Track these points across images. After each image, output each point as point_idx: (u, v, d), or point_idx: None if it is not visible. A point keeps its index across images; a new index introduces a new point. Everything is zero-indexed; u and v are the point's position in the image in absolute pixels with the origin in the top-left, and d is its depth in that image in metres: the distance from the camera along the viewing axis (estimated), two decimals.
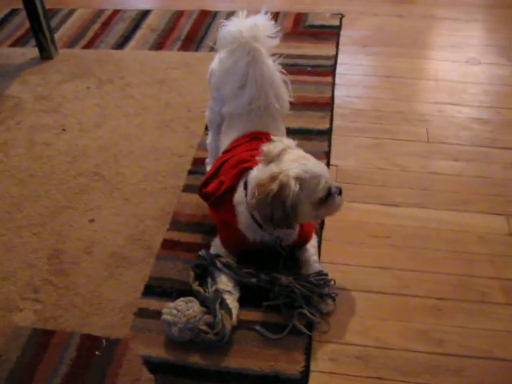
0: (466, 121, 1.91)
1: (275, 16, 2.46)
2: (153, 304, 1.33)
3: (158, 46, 2.33)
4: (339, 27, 2.38)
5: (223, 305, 1.25)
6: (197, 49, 2.28)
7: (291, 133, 1.79)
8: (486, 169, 1.71)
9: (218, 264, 1.33)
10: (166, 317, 1.23)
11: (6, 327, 1.30)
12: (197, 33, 2.38)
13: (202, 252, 1.37)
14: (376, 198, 1.62)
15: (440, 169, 1.72)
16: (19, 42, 2.46)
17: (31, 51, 2.36)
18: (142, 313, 1.31)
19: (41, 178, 1.73)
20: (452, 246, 1.47)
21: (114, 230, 1.54)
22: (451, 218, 1.55)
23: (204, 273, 1.35)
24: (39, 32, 2.25)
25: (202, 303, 1.29)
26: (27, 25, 2.51)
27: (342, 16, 2.46)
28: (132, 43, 2.37)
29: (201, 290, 1.31)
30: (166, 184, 1.66)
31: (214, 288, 1.29)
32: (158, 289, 1.36)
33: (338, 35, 2.32)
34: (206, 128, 1.84)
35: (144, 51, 2.31)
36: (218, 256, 1.35)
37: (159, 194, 1.64)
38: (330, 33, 2.34)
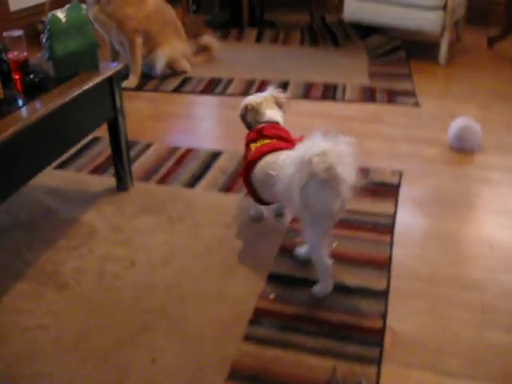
0: None
1: None
2: None
3: (227, 188, 2.48)
4: (398, 185, 2.50)
5: None
6: None
7: (349, 290, 1.88)
8: None
9: None
10: None
11: None
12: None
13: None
14: (429, 365, 1.64)
15: (494, 340, 1.74)
16: (98, 170, 2.66)
17: (108, 180, 2.55)
18: None
19: (108, 310, 1.83)
20: None
21: (173, 374, 1.59)
22: None
23: None
24: (119, 164, 2.43)
25: None
26: (106, 153, 2.74)
27: (401, 174, 2.59)
28: (202, 183, 2.53)
29: None
30: (227, 331, 1.73)
31: None
32: None
33: (397, 193, 2.44)
34: (269, 277, 1.94)
35: (213, 192, 2.46)
36: None
37: (220, 341, 1.70)
38: (389, 190, 2.45)
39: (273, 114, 2.12)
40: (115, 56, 3.89)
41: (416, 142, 2.95)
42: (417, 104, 3.41)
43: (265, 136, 2.02)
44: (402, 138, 2.99)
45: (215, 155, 2.77)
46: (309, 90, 3.60)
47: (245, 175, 2.04)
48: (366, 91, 3.59)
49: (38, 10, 4.82)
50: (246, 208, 2.34)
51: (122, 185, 2.48)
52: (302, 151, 1.65)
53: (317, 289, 1.87)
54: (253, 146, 2.04)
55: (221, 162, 2.70)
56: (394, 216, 2.29)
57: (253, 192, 2.06)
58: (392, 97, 3.50)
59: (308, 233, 1.83)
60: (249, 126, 2.17)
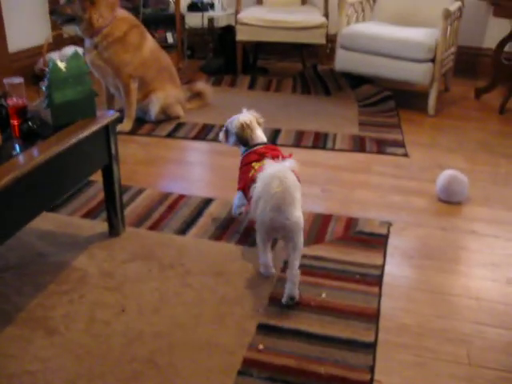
0: (508, 345, 1.97)
1: (328, 219, 2.65)
2: None
3: (218, 236, 2.51)
4: (387, 236, 2.54)
5: None
6: (253, 244, 2.43)
7: (337, 342, 1.90)
8: None
9: None
10: None
11: None
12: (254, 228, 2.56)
13: None
14: None
15: None
16: (90, 215, 2.68)
17: (100, 225, 2.57)
18: None
19: (97, 357, 1.83)
20: None
21: None
22: None
23: None
24: (111, 209, 2.46)
25: None
26: (99, 197, 2.78)
27: (390, 225, 2.63)
28: (194, 230, 2.55)
29: None
30: (216, 382, 1.73)
31: None
32: None
33: (385, 244, 2.47)
34: (258, 327, 1.96)
35: (204, 240, 2.48)
36: None
37: None
38: (378, 241, 2.49)
39: (261, 134, 2.48)
40: (110, 99, 3.96)
41: (405, 193, 3.00)
42: (406, 154, 3.49)
43: (268, 156, 2.31)
44: (391, 189, 3.05)
45: (207, 202, 2.80)
46: (300, 138, 3.67)
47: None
48: (355, 140, 3.66)
49: (35, 51, 4.91)
50: (237, 256, 2.37)
51: (113, 230, 2.50)
52: (261, 175, 2.03)
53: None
54: (256, 166, 2.31)
55: (212, 209, 2.73)
56: (382, 267, 2.32)
57: None
58: (381, 146, 3.57)
59: (256, 233, 2.20)
60: (245, 143, 2.44)
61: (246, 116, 2.47)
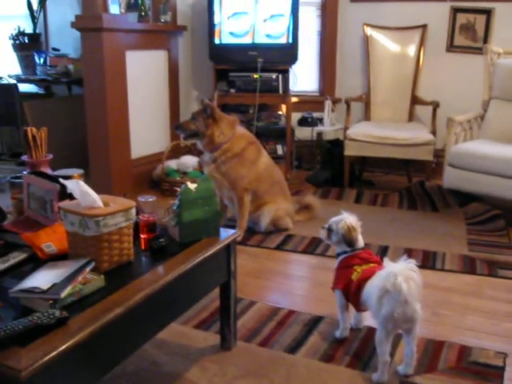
0: None
1: (440, 346, 2.59)
2: None
3: (328, 357, 2.50)
4: (503, 368, 2.44)
5: None
6: (364, 368, 2.41)
7: None
8: None
9: None
10: None
11: None
12: (365, 350, 2.55)
13: None
14: None
15: None
16: (202, 325, 2.77)
17: (212, 337, 2.65)
18: None
19: None
20: None
21: None
22: None
23: None
24: (225, 324, 2.54)
25: None
26: (211, 308, 2.88)
27: (505, 356, 2.53)
28: (303, 349, 2.57)
29: None
30: None
31: None
32: None
33: (502, 378, 2.37)
34: None
35: (314, 360, 2.48)
36: None
37: None
38: (493, 374, 2.39)
39: (361, 239, 2.61)
40: (223, 209, 4.15)
41: None
42: None
43: (370, 261, 2.53)
44: (505, 315, 2.94)
45: (316, 320, 2.82)
46: (409, 256, 3.63)
47: (356, 289, 2.46)
48: (465, 261, 3.60)
49: (153, 158, 5.30)
50: (347, 381, 2.34)
51: (225, 344, 2.56)
52: (383, 273, 2.26)
53: (375, 376, 2.32)
54: (359, 269, 2.49)
55: (322, 328, 2.74)
56: None
57: (356, 300, 2.50)
58: (492, 268, 3.49)
59: (378, 330, 2.32)
60: (350, 244, 2.57)
61: (352, 219, 2.61)
